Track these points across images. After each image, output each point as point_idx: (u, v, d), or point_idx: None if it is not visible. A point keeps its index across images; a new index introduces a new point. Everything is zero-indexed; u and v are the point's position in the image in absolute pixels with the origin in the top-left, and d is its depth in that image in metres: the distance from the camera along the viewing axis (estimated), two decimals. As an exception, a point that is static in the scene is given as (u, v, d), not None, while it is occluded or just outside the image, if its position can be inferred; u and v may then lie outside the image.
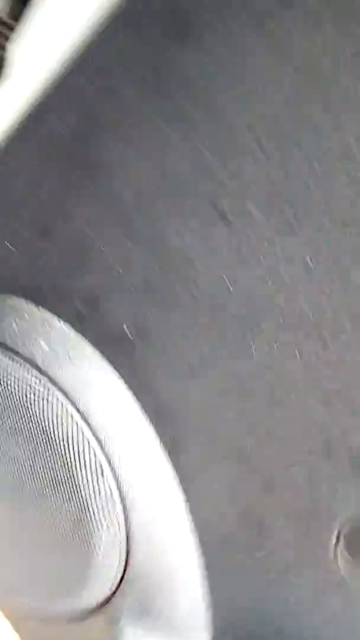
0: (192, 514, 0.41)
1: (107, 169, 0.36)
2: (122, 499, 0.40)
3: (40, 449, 0.41)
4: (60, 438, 0.40)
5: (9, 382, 0.40)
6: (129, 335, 0.39)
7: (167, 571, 0.42)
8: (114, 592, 0.44)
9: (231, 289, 0.34)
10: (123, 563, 0.42)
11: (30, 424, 0.40)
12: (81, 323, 0.40)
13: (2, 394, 0.41)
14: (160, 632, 0.44)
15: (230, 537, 0.41)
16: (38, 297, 0.41)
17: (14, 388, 0.40)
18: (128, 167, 0.35)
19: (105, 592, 0.44)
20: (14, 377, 0.40)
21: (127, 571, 0.43)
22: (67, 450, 0.40)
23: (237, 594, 0.44)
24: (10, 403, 0.41)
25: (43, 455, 0.41)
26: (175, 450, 0.40)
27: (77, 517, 0.41)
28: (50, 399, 0.40)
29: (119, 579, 0.43)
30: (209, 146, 0.33)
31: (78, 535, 0.42)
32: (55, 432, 0.40)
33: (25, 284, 0.41)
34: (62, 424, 0.40)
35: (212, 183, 0.33)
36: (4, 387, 0.41)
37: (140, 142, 0.35)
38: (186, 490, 0.41)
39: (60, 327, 0.41)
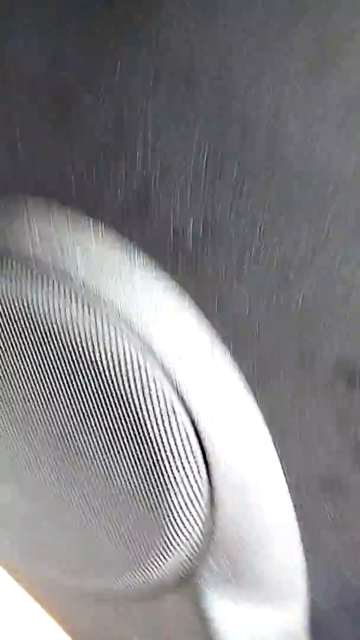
0: (284, 461, 0.34)
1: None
2: (204, 448, 0.33)
3: (93, 397, 0.33)
4: (120, 379, 0.32)
5: (37, 303, 0.32)
6: (193, 236, 0.30)
7: (261, 531, 0.35)
8: (197, 559, 0.37)
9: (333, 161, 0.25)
10: (208, 524, 0.35)
11: (76, 364, 0.32)
12: (126, 226, 0.32)
13: (28, 327, 0.33)
14: (252, 602, 0.37)
15: (327, 489, 0.34)
16: (64, 196, 0.33)
17: (45, 311, 0.32)
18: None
19: (186, 559, 0.37)
20: (44, 296, 0.32)
21: (212, 533, 0.36)
22: (130, 394, 0.32)
23: (332, 558, 0.37)
24: (40, 332, 0.33)
25: (98, 404, 0.33)
26: (260, 380, 0.32)
27: (148, 474, 0.33)
28: (97, 321, 0.31)
29: (203, 543, 0.36)
30: None
31: (150, 495, 0.34)
32: (113, 373, 0.32)
33: (47, 180, 0.33)
34: (121, 361, 0.31)
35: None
36: (32, 318, 0.32)
37: None
38: (275, 431, 0.34)
39: (99, 232, 0.32)
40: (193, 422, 0.32)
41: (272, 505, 0.35)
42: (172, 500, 0.34)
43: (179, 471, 0.33)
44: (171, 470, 0.33)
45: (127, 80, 0.27)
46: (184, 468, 0.33)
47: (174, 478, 0.33)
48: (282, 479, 0.34)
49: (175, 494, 0.33)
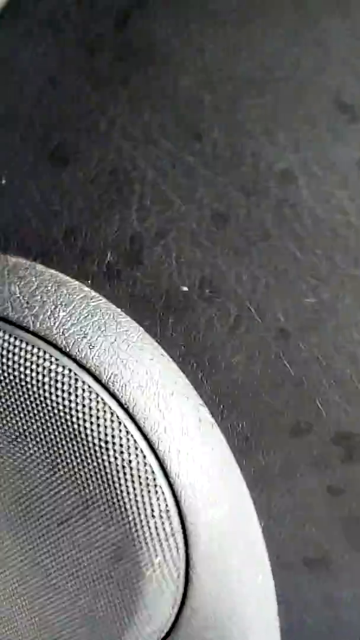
0: (269, 539, 0.32)
1: (159, 54, 0.26)
2: (182, 518, 0.30)
3: (63, 458, 0.30)
4: (95, 441, 0.29)
5: (15, 369, 0.30)
6: (186, 297, 0.29)
7: (237, 615, 0.33)
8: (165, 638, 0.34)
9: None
10: (179, 603, 0.32)
11: (50, 424, 0.30)
12: (113, 288, 0.30)
13: (5, 385, 0.30)
14: None
15: (314, 568, 0.32)
16: (49, 253, 0.31)
17: (25, 377, 0.29)
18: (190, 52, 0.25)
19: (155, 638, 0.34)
20: (24, 361, 0.29)
21: (183, 612, 0.33)
22: (105, 457, 0.29)
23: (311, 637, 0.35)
24: (18, 397, 0.30)
25: (68, 466, 0.30)
26: (251, 451, 0.31)
27: (118, 546, 0.31)
28: (79, 389, 0.29)
29: (174, 624, 0.33)
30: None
31: (120, 570, 0.31)
32: (88, 434, 0.29)
33: (31, 236, 0.31)
34: (97, 423, 0.29)
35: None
36: (9, 377, 0.30)
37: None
38: (262, 505, 0.32)
39: (84, 292, 0.30)
40: (175, 498, 0.30)
41: (251, 587, 0.33)
42: (145, 579, 0.31)
43: (156, 549, 0.30)
44: (148, 548, 0.30)
45: (129, 130, 0.26)
46: (161, 546, 0.30)
47: (150, 557, 0.30)
48: (265, 559, 0.32)
49: (150, 572, 0.31)
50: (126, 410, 0.29)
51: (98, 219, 0.28)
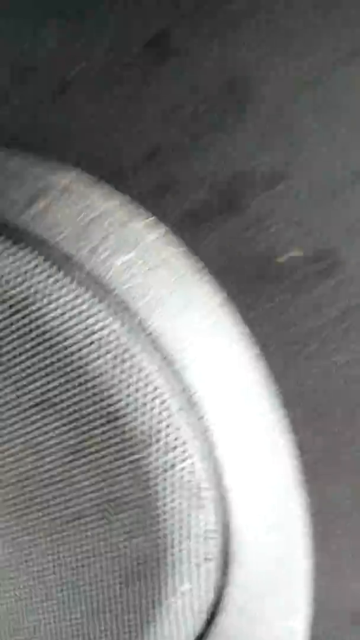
0: (317, 582, 0.26)
1: None
2: (225, 541, 0.24)
3: (93, 442, 0.23)
4: (139, 430, 0.23)
5: (55, 317, 0.23)
6: (295, 266, 0.22)
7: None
8: None
9: None
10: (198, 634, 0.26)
11: (85, 397, 0.23)
12: (197, 232, 0.23)
13: (36, 336, 0.23)
14: None
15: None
16: (120, 175, 0.24)
17: (65, 330, 0.23)
18: None
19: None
20: (70, 308, 0.23)
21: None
22: (146, 453, 0.23)
23: None
24: (49, 355, 0.23)
25: (97, 453, 0.24)
26: (318, 474, 0.24)
27: (139, 562, 0.25)
28: (122, 352, 0.22)
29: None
30: None
31: (133, 592, 0.25)
32: (131, 420, 0.23)
33: (100, 148, 0.24)
34: (143, 410, 0.23)
35: None
36: (44, 326, 0.23)
37: None
38: (315, 536, 0.26)
39: (157, 234, 0.24)
40: (223, 515, 0.24)
41: (281, 636, 0.27)
42: (162, 608, 0.25)
43: (184, 575, 0.24)
44: (175, 572, 0.24)
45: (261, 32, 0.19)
46: (191, 572, 0.24)
47: (176, 582, 0.24)
48: (307, 604, 0.26)
49: (170, 600, 0.25)
50: (185, 397, 0.22)
51: (195, 142, 0.22)
